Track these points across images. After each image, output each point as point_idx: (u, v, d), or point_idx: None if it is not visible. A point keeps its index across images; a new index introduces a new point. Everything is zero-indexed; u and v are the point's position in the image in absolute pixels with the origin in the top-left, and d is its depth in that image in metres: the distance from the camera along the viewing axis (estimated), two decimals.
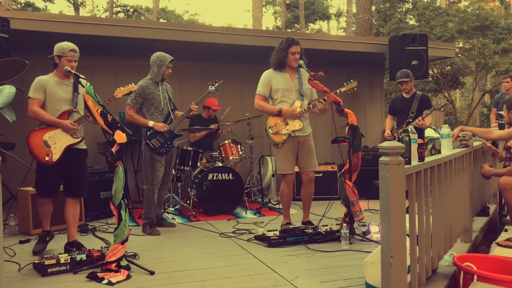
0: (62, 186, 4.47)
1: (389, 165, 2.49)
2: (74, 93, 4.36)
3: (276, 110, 4.96)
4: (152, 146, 5.13)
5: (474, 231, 4.62)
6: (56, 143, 4.23)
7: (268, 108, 5.06)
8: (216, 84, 5.52)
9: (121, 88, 4.49)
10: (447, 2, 27.34)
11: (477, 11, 17.88)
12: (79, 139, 4.34)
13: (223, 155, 6.55)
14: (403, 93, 6.18)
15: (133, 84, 4.60)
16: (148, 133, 5.16)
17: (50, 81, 4.26)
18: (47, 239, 4.51)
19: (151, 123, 5.15)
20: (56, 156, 4.21)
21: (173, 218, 5.91)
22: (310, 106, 4.98)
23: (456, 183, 3.84)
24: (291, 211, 5.84)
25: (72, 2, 29.27)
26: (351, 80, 4.97)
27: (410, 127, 3.04)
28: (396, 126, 6.19)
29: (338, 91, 4.90)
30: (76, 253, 3.88)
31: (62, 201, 4.53)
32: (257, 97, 5.10)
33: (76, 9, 29.36)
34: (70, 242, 4.38)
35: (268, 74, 5.07)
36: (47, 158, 4.16)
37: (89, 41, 6.77)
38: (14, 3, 23.82)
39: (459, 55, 17.06)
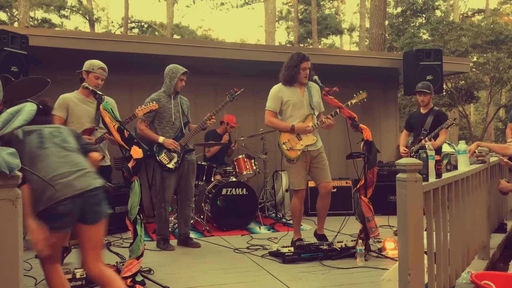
0: None
1: (406, 182, 2.48)
2: (98, 111, 4.44)
3: (289, 127, 4.92)
4: (160, 162, 5.02)
5: (491, 248, 4.56)
6: None
7: (280, 125, 5.02)
8: (236, 93, 5.31)
9: (142, 106, 4.62)
10: (461, 16, 27.29)
11: (491, 25, 17.80)
12: (100, 157, 4.38)
13: (237, 170, 6.56)
14: (421, 108, 5.98)
15: (154, 102, 4.66)
16: (157, 149, 5.04)
17: (73, 99, 4.38)
18: (64, 254, 4.54)
19: (161, 139, 5.01)
20: None
21: None
22: (319, 121, 4.97)
23: (473, 200, 3.80)
24: (305, 226, 5.83)
25: (87, 18, 29.76)
26: (360, 92, 4.99)
27: (428, 144, 3.02)
28: (411, 142, 6.09)
29: (349, 103, 4.92)
30: None
31: None
32: (268, 113, 5.05)
33: (92, 25, 29.83)
34: None
35: (278, 89, 5.04)
36: None
37: (104, 57, 6.81)
38: (31, 19, 24.28)
39: (473, 69, 16.97)
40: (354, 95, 5.00)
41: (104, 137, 4.43)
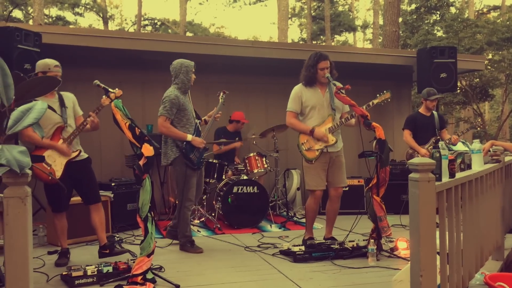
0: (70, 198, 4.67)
1: (419, 182, 2.44)
2: (62, 109, 4.42)
3: (309, 130, 4.82)
4: (192, 161, 4.84)
5: (506, 249, 4.49)
6: (56, 160, 4.32)
7: (300, 127, 4.90)
8: (223, 95, 5.28)
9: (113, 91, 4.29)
10: (476, 13, 26.96)
11: (507, 22, 17.54)
12: (76, 153, 4.45)
13: (248, 168, 6.54)
14: (422, 111, 6.30)
15: (117, 89, 4.26)
16: (186, 148, 4.85)
17: None
18: (68, 256, 4.58)
19: (189, 137, 4.84)
20: (58, 173, 4.31)
21: (198, 231, 5.91)
22: (343, 120, 4.90)
23: (487, 200, 3.74)
24: (317, 225, 5.79)
25: (101, 15, 29.93)
26: (384, 91, 4.89)
27: (441, 143, 2.98)
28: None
29: (371, 103, 4.83)
30: (102, 265, 3.92)
31: (77, 215, 4.96)
32: (289, 114, 4.96)
33: (105, 22, 30.00)
34: (103, 245, 4.51)
35: (298, 90, 4.95)
36: (50, 177, 4.24)
37: (117, 55, 6.89)
38: (46, 17, 24.49)
39: (488, 66, 16.73)
40: (377, 95, 4.90)
41: (86, 123, 4.35)
